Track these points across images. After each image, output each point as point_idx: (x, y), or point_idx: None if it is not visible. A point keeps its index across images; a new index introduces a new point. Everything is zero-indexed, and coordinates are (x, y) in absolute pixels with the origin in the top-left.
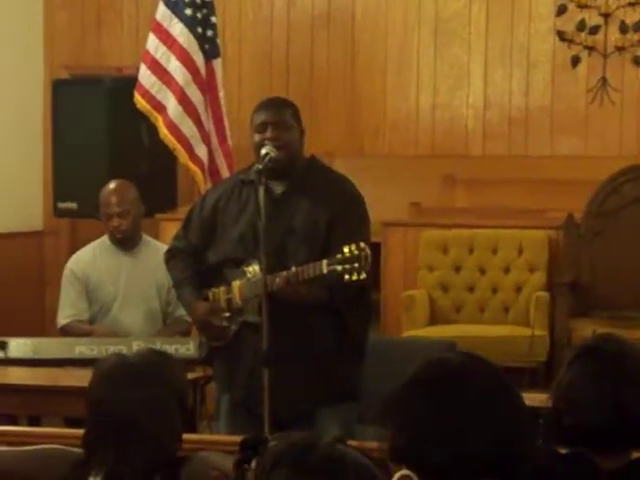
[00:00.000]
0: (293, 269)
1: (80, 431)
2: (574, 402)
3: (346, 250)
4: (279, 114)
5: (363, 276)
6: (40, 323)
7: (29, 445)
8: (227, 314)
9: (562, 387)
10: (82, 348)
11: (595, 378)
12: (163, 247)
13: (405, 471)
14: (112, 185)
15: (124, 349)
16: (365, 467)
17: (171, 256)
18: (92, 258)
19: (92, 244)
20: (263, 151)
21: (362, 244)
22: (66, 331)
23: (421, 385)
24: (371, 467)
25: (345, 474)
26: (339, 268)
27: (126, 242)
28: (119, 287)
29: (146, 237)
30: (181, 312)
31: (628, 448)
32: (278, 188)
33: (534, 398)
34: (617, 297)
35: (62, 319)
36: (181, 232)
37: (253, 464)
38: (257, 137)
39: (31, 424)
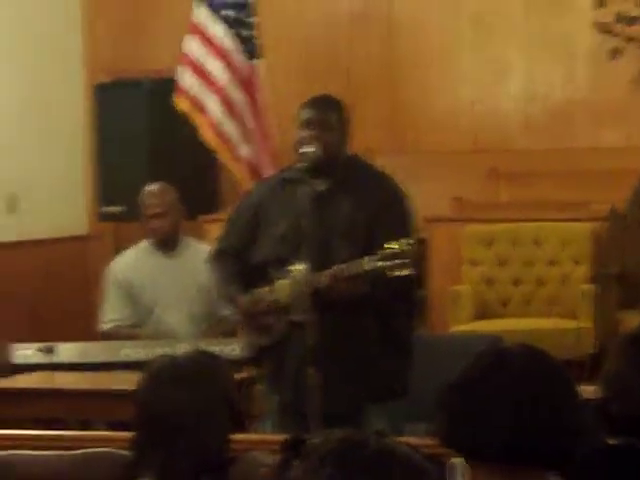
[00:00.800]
0: (339, 266)
1: (128, 434)
2: (623, 391)
3: (392, 246)
4: (323, 114)
5: (406, 272)
6: (86, 327)
7: (78, 449)
8: (272, 303)
9: (610, 377)
10: (128, 351)
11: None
12: (203, 247)
13: (460, 459)
14: (151, 187)
15: (170, 351)
16: (415, 462)
17: (216, 258)
18: (133, 261)
19: (133, 248)
20: (303, 149)
21: (404, 240)
22: (108, 336)
23: (475, 373)
24: (421, 462)
25: (396, 469)
26: (381, 264)
27: (166, 244)
28: (160, 290)
29: (187, 238)
30: (225, 312)
31: None
32: (320, 186)
33: (583, 390)
34: None
35: (104, 324)
36: (224, 233)
37: (295, 464)
38: (300, 134)
39: (81, 428)
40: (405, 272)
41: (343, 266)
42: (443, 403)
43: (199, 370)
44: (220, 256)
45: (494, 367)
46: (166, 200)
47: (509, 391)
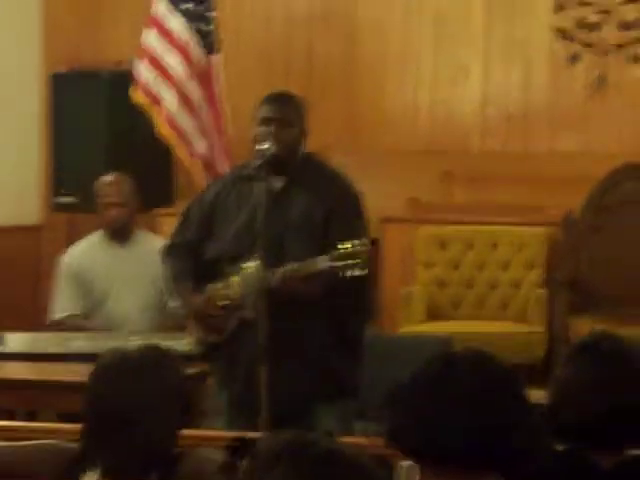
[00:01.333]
0: (292, 265)
1: (77, 426)
2: (570, 398)
3: (345, 246)
4: (282, 111)
5: (359, 272)
6: (36, 318)
7: (26, 440)
8: (224, 303)
9: (559, 384)
10: (79, 343)
11: (592, 375)
12: (157, 238)
13: (409, 462)
14: (108, 177)
15: (122, 344)
16: (363, 463)
17: (169, 252)
18: (86, 252)
19: (87, 238)
20: (262, 146)
21: (362, 240)
22: (58, 325)
23: (425, 377)
24: (369, 464)
25: (344, 470)
26: (339, 264)
27: (120, 234)
28: (114, 280)
29: (140, 230)
30: (174, 304)
31: (624, 445)
32: (277, 184)
33: (532, 395)
34: (616, 294)
35: (56, 313)
36: (178, 228)
37: (243, 464)
38: (258, 130)
39: (28, 419)
40: (358, 272)
41: (296, 265)
42: (393, 405)
43: (149, 364)
44: (173, 251)
45: (443, 371)
46: (123, 190)
47: (459, 395)
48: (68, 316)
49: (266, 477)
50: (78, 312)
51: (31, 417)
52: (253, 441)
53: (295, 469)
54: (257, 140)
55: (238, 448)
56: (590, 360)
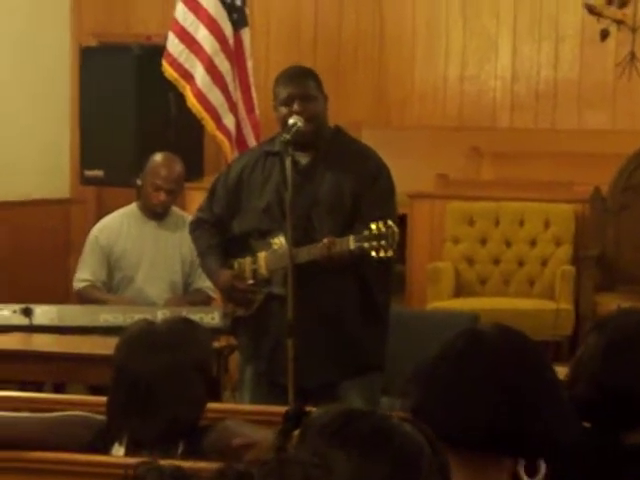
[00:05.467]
0: (322, 242)
1: (104, 398)
2: (581, 374)
3: (374, 227)
4: (304, 86)
5: (390, 253)
6: (65, 291)
7: (54, 412)
8: (251, 281)
9: (575, 359)
10: (107, 316)
11: (601, 350)
12: (189, 219)
13: None
14: (164, 158)
15: (150, 317)
16: (416, 439)
17: (196, 227)
18: (119, 226)
19: (120, 211)
20: (291, 121)
21: (390, 222)
22: (80, 295)
23: (451, 353)
24: (421, 439)
25: (400, 443)
26: (366, 245)
27: (159, 214)
28: (144, 257)
29: (175, 209)
30: (200, 284)
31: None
32: (303, 159)
33: (559, 372)
34: None
35: (78, 282)
36: (205, 203)
37: (295, 434)
38: (284, 110)
39: (56, 391)
40: (388, 253)
41: (327, 241)
42: (418, 381)
43: (176, 337)
44: (200, 225)
45: (469, 347)
46: (175, 176)
47: (486, 372)
48: (90, 286)
49: (315, 450)
50: (99, 283)
51: (59, 390)
52: (303, 414)
53: (344, 442)
54: (284, 119)
55: (292, 420)
56: (603, 336)
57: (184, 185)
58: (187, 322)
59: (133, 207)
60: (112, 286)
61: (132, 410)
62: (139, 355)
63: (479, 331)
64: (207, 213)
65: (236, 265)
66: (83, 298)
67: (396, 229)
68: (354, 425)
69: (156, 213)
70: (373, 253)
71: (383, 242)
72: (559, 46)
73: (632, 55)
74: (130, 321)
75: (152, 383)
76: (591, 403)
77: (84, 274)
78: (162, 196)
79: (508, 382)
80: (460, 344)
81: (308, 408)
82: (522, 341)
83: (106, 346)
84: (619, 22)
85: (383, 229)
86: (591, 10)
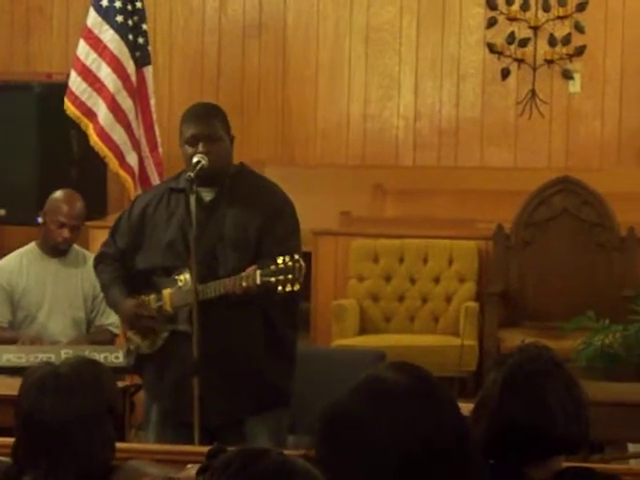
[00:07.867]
0: (226, 280)
1: (9, 440)
2: (482, 412)
3: (280, 261)
4: (209, 127)
5: (297, 287)
6: None
7: None
8: (157, 305)
9: (477, 399)
10: (10, 356)
11: (498, 388)
12: (91, 256)
13: None
14: (65, 195)
15: (53, 357)
16: (315, 477)
17: (100, 261)
18: (19, 265)
19: (19, 251)
20: (195, 159)
21: (296, 255)
22: None
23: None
24: (321, 478)
25: None
26: (272, 279)
27: (61, 251)
28: (46, 294)
29: (75, 246)
30: (103, 321)
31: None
32: (207, 195)
33: (464, 408)
34: (546, 307)
35: None
36: (109, 238)
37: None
38: (189, 149)
39: None
40: (295, 287)
41: (233, 279)
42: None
43: (82, 378)
44: (104, 260)
45: (370, 413)
46: (77, 212)
47: (389, 442)
48: None
49: None
50: (4, 324)
51: None
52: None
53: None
54: (189, 157)
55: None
56: (500, 373)
57: (84, 222)
58: (91, 363)
59: (32, 246)
60: (15, 324)
61: (41, 454)
62: (46, 403)
63: (380, 383)
64: (111, 248)
65: (140, 299)
66: None
67: (302, 263)
68: (258, 462)
69: (58, 250)
70: (279, 288)
71: (290, 276)
72: (461, 84)
73: (533, 93)
74: (34, 361)
75: (64, 429)
76: (492, 440)
77: None
78: (66, 233)
79: (414, 438)
80: (362, 406)
81: (225, 446)
82: (425, 386)
83: (9, 387)
84: (519, 61)
85: (290, 263)
86: (492, 49)
